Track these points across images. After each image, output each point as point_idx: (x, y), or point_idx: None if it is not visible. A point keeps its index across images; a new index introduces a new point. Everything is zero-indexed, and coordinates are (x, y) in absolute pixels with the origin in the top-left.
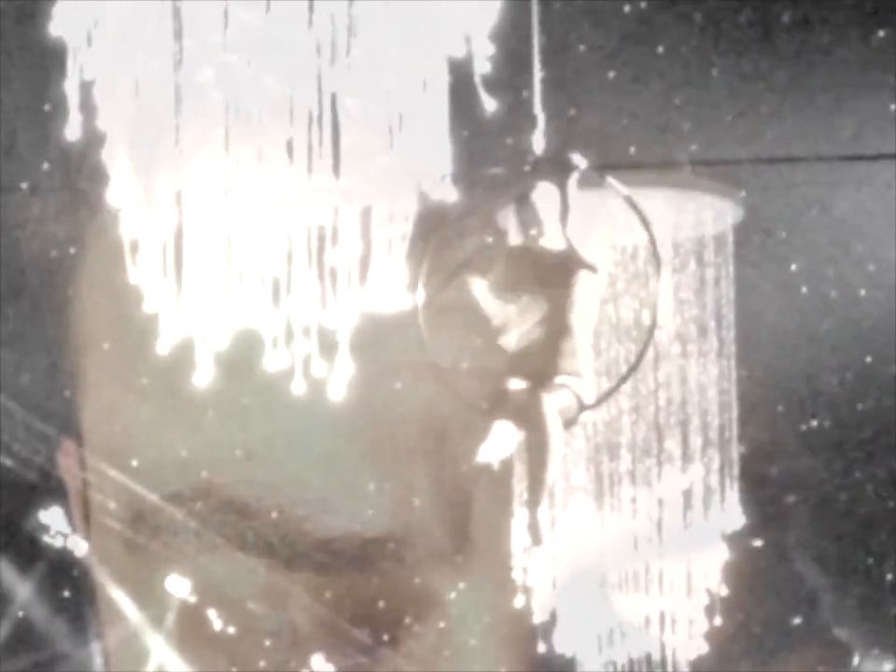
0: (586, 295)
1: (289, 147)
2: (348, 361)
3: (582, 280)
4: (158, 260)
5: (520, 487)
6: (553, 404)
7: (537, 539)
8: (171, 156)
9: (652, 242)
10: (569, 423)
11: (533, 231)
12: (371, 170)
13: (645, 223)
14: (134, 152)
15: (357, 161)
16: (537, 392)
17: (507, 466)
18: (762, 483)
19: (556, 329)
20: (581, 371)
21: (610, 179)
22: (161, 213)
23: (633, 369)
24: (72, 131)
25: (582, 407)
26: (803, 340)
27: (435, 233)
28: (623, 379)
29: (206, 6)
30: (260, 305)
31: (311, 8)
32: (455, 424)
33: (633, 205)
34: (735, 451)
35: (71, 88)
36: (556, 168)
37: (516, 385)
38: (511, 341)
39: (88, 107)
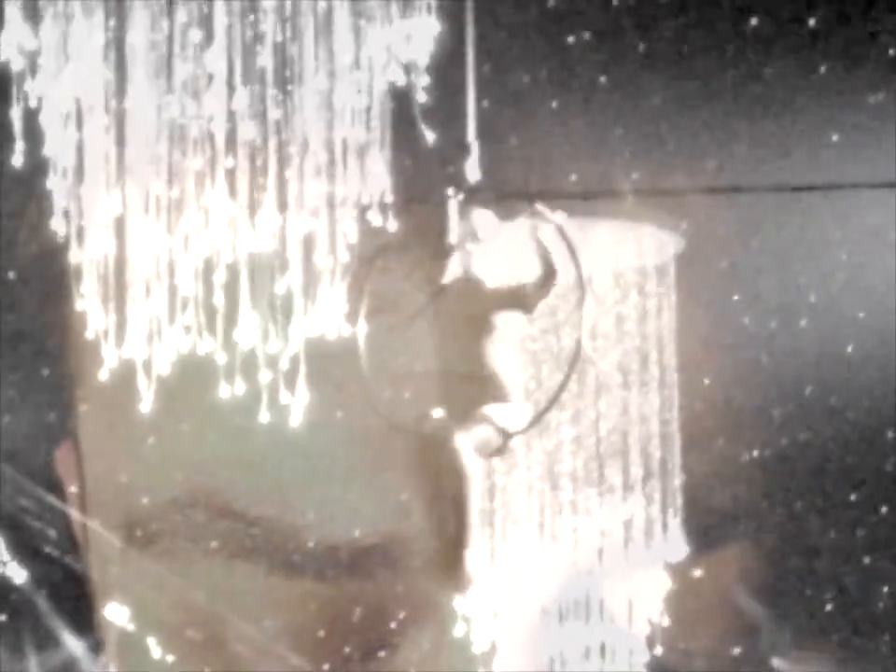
0: (509, 322)
1: (231, 177)
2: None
3: (507, 311)
4: (100, 288)
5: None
6: (468, 440)
7: (463, 583)
8: (112, 183)
9: (578, 271)
10: (496, 453)
11: (468, 263)
12: (313, 199)
13: (572, 252)
14: (76, 180)
15: (300, 189)
16: (450, 428)
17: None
18: (703, 514)
19: (479, 356)
20: (508, 396)
21: (540, 207)
22: (102, 240)
23: (554, 400)
24: (16, 158)
25: (507, 435)
26: (744, 370)
27: (376, 263)
28: (546, 409)
29: (150, 34)
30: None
31: (255, 37)
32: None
33: (562, 234)
34: (677, 481)
35: (15, 114)
36: (485, 198)
37: (437, 414)
38: (437, 369)
39: (33, 135)
